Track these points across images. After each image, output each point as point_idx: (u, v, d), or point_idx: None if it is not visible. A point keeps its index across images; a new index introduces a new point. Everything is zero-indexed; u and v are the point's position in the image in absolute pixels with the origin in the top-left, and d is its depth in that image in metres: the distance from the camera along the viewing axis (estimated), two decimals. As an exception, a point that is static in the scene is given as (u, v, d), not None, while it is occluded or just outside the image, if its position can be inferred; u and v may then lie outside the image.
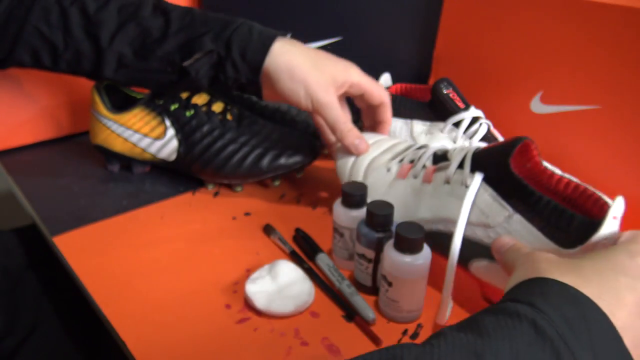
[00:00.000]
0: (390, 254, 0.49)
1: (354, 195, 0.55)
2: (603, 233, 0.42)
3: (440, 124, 0.68)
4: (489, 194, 0.49)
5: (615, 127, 0.62)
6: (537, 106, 0.69)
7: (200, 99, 0.70)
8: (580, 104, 0.64)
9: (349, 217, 0.55)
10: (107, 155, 0.73)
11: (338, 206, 0.56)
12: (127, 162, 0.73)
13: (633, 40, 0.58)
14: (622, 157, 0.62)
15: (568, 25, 0.63)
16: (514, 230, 0.47)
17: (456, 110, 0.68)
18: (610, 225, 0.42)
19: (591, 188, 0.47)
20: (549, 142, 0.68)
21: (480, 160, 0.50)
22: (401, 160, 0.59)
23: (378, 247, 0.52)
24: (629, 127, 0.61)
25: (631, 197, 0.62)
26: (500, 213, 0.48)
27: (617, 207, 0.43)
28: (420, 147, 0.60)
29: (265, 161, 0.68)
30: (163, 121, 0.69)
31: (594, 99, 0.63)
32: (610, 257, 0.35)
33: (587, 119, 0.64)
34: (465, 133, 0.67)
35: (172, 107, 0.69)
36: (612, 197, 0.62)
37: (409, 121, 0.71)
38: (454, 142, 0.67)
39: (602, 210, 0.44)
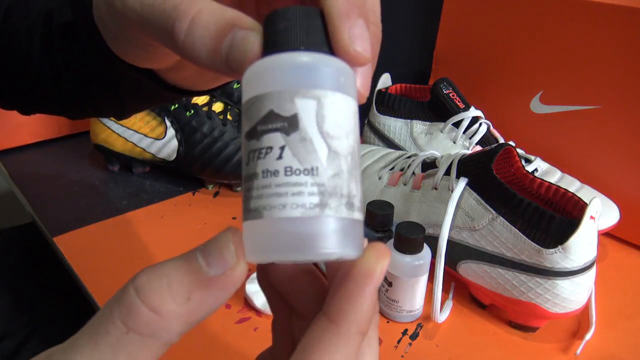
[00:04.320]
0: (391, 254, 0.49)
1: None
2: (582, 232, 0.44)
3: (440, 124, 0.68)
4: (473, 198, 0.50)
5: (615, 127, 0.62)
6: (537, 106, 0.69)
7: (200, 99, 0.70)
8: (580, 104, 0.64)
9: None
10: (107, 155, 0.73)
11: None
12: (127, 162, 0.73)
13: (633, 40, 0.58)
14: (622, 157, 0.62)
15: (568, 25, 0.63)
16: (498, 232, 0.48)
17: (456, 110, 0.68)
18: (588, 224, 0.44)
19: (571, 191, 0.49)
20: (549, 142, 0.68)
21: (466, 167, 0.52)
22: (392, 169, 0.61)
23: (378, 247, 0.52)
24: (629, 127, 0.61)
25: (631, 197, 0.62)
26: (485, 216, 0.49)
27: (593, 208, 0.44)
28: (409, 156, 0.62)
29: (266, 161, 0.68)
30: (163, 121, 0.69)
31: (594, 99, 0.63)
32: None
33: (587, 119, 0.64)
34: (465, 133, 0.67)
35: (172, 107, 0.69)
36: (613, 196, 0.62)
37: (408, 121, 0.71)
38: (454, 142, 0.67)
39: (581, 211, 0.46)
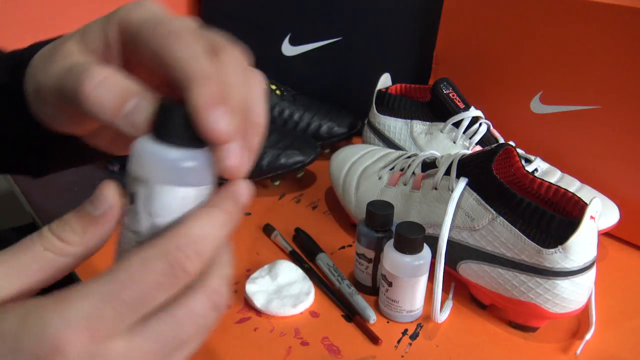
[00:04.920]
0: (390, 254, 0.49)
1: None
2: (582, 232, 0.44)
3: (440, 124, 0.68)
4: (473, 198, 0.50)
5: (615, 127, 0.62)
6: (537, 106, 0.69)
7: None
8: (580, 104, 0.64)
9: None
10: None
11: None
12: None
13: (633, 40, 0.58)
14: (622, 157, 0.62)
15: (568, 25, 0.63)
16: (498, 232, 0.48)
17: (456, 110, 0.68)
18: (588, 224, 0.44)
19: (571, 191, 0.49)
20: (549, 142, 0.68)
21: (466, 167, 0.52)
22: (392, 169, 0.61)
23: (378, 247, 0.52)
24: (629, 127, 0.61)
25: (631, 197, 0.62)
26: (485, 216, 0.49)
27: (593, 208, 0.44)
28: (409, 156, 0.62)
29: (265, 161, 0.68)
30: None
31: (594, 99, 0.63)
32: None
33: (587, 119, 0.64)
34: (465, 133, 0.67)
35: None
36: (613, 196, 0.62)
37: (408, 121, 0.71)
38: (454, 142, 0.67)
39: (581, 211, 0.45)
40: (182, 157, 0.24)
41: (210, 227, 0.24)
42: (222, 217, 0.25)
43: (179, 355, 0.25)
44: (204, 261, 0.24)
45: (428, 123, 0.70)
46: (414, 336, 0.50)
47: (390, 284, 0.50)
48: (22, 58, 0.33)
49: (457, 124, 0.68)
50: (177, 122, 0.24)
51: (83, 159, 0.41)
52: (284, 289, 0.52)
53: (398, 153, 0.65)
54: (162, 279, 0.23)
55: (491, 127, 0.68)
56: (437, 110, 0.69)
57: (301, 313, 0.52)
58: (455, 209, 0.50)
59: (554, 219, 0.46)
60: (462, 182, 0.51)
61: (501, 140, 0.68)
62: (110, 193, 0.25)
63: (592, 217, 0.44)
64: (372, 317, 0.51)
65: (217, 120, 0.24)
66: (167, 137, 0.24)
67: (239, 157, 0.25)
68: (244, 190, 0.26)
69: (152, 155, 0.24)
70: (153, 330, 0.23)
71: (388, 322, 0.51)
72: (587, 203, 0.45)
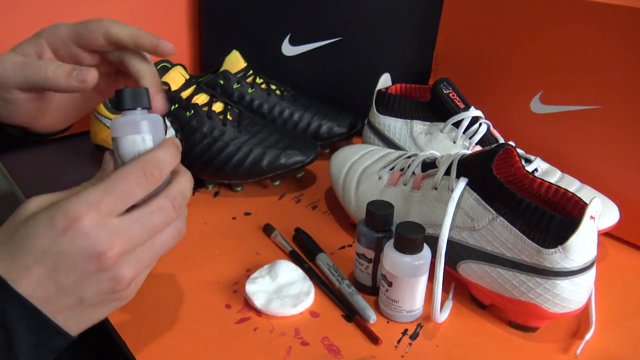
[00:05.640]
0: (390, 253, 0.49)
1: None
2: (582, 232, 0.44)
3: (440, 124, 0.68)
4: (473, 198, 0.50)
5: (615, 127, 0.62)
6: (537, 106, 0.69)
7: (200, 99, 0.70)
8: (580, 104, 0.65)
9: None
10: (107, 155, 0.73)
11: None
12: (127, 162, 0.73)
13: (633, 40, 0.58)
14: (622, 157, 0.62)
15: (568, 25, 0.63)
16: (498, 232, 0.48)
17: (456, 110, 0.68)
18: (588, 224, 0.44)
19: (571, 191, 0.49)
20: (549, 142, 0.69)
21: (466, 167, 0.52)
22: (392, 169, 0.61)
23: (378, 247, 0.52)
24: (629, 127, 0.61)
25: (631, 197, 0.62)
26: (485, 216, 0.49)
27: (593, 208, 0.44)
28: (409, 156, 0.62)
29: (265, 161, 0.68)
30: (163, 121, 0.69)
31: (594, 99, 0.63)
32: (30, 228, 0.34)
33: (587, 119, 0.64)
34: (465, 133, 0.67)
35: (172, 107, 0.69)
36: (613, 196, 0.62)
37: (408, 121, 0.71)
38: (454, 142, 0.67)
39: (581, 211, 0.45)
40: (139, 115, 0.39)
41: (165, 153, 0.37)
42: (171, 148, 0.38)
43: (158, 242, 0.38)
44: (164, 172, 0.37)
45: (428, 123, 0.70)
46: (414, 336, 0.50)
47: (390, 284, 0.50)
48: None
49: (457, 124, 0.68)
50: (138, 96, 0.39)
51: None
52: (284, 289, 0.52)
53: (398, 153, 0.65)
54: (138, 180, 0.35)
55: (491, 127, 0.68)
56: (437, 110, 0.69)
57: (301, 313, 0.52)
58: (455, 209, 0.50)
59: (554, 219, 0.46)
60: (462, 182, 0.51)
61: (501, 140, 0.68)
62: (107, 156, 0.40)
63: (592, 217, 0.44)
64: (372, 317, 0.51)
65: (160, 100, 0.44)
66: (128, 106, 0.39)
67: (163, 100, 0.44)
68: (177, 141, 0.40)
69: (121, 120, 0.38)
70: (135, 216, 0.35)
71: (388, 322, 0.51)
72: (587, 203, 0.45)
